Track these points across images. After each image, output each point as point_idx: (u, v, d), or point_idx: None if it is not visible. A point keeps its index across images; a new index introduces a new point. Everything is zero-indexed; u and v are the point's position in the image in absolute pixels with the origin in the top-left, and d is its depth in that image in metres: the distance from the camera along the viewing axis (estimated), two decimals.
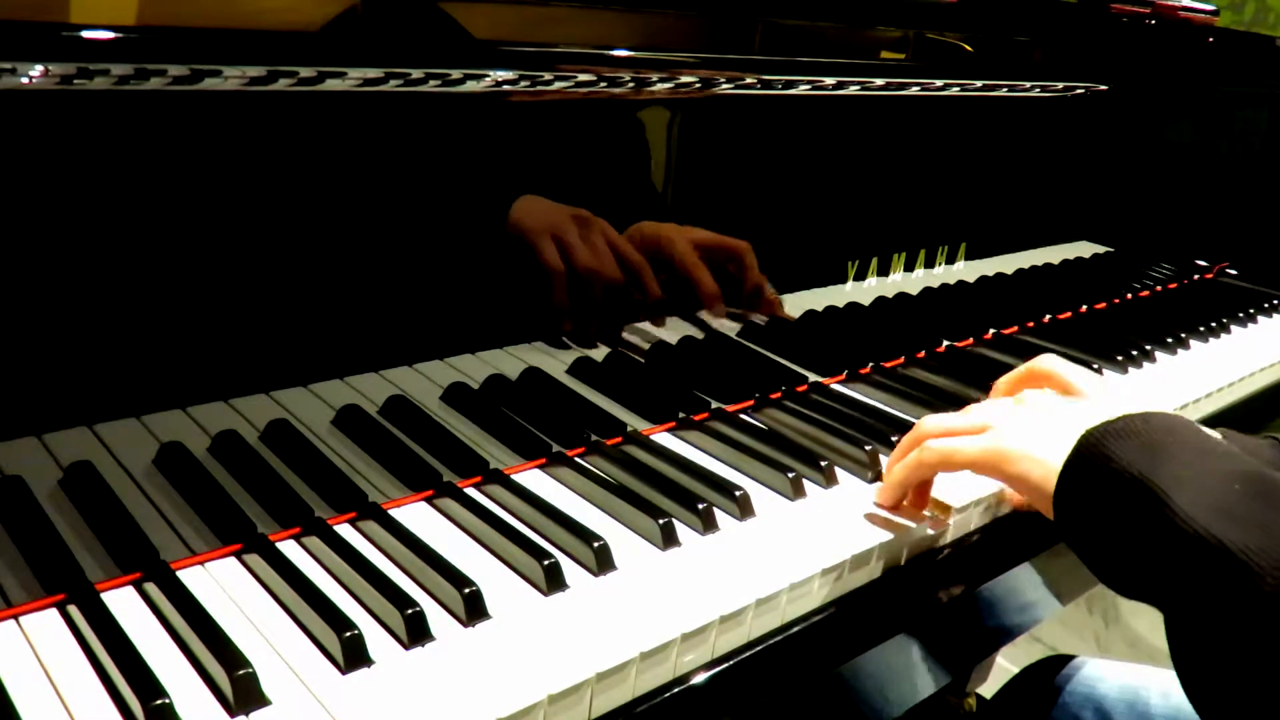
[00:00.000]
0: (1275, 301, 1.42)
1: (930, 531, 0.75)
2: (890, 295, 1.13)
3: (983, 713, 1.20)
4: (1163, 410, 0.66)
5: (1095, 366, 1.07)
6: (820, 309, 1.05)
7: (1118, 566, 0.62)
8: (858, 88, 0.94)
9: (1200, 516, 0.56)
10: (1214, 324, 1.26)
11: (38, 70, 0.52)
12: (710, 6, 0.88)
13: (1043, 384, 0.84)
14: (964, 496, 0.76)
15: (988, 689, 1.27)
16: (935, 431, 0.73)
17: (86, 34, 0.53)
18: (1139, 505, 0.59)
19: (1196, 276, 1.54)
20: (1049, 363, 0.83)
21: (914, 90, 1.00)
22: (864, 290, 1.10)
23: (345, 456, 0.72)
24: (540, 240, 0.82)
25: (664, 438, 0.82)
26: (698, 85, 0.82)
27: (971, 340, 1.12)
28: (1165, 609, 0.60)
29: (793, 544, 0.69)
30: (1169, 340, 1.17)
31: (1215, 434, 0.68)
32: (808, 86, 0.89)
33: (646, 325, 0.93)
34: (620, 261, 0.86)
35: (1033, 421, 0.69)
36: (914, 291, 1.16)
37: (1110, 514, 0.61)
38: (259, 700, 0.51)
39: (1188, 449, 0.61)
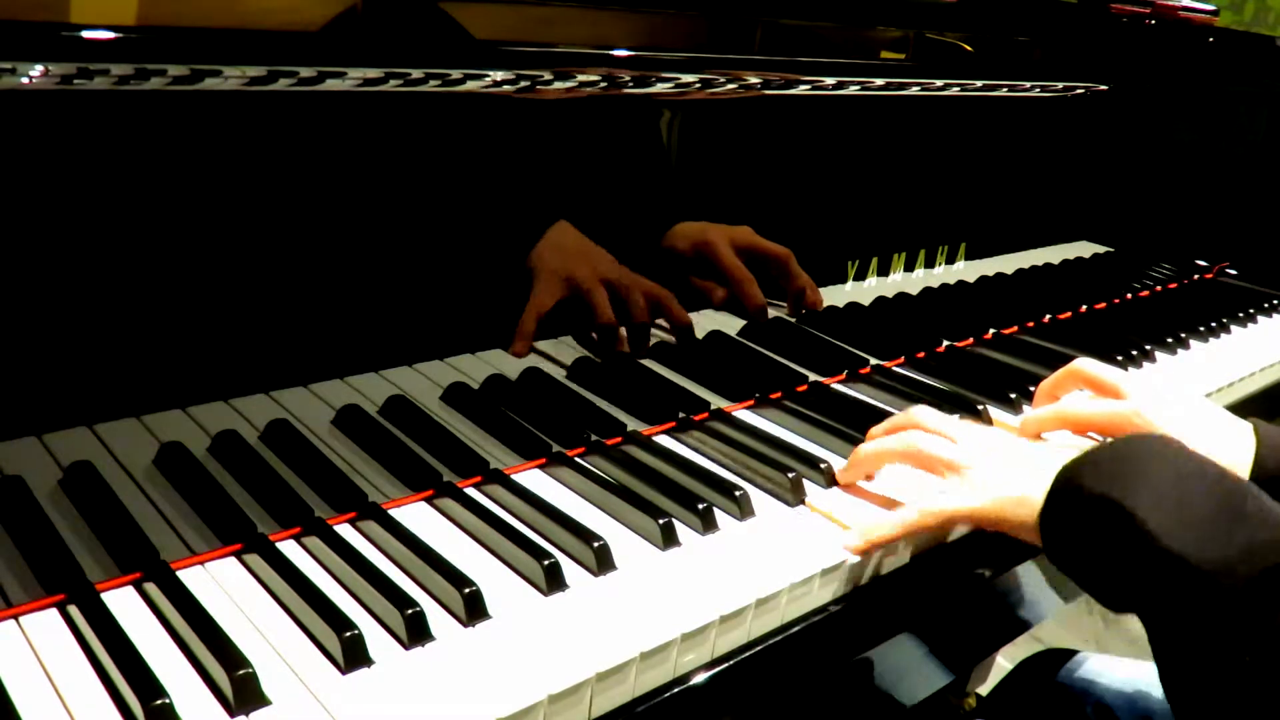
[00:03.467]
0: (1275, 301, 1.42)
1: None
2: (890, 295, 1.13)
3: (982, 707, 1.20)
4: (1140, 435, 0.69)
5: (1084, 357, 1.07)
6: (820, 309, 1.05)
7: (1103, 584, 0.65)
8: (858, 88, 0.94)
9: (1169, 534, 0.59)
10: (1214, 324, 1.26)
11: (38, 70, 0.52)
12: (710, 6, 0.88)
13: (1080, 386, 0.86)
14: None
15: (988, 688, 1.27)
16: (907, 455, 0.75)
17: (86, 34, 0.53)
18: (1114, 527, 0.62)
19: (1196, 276, 1.54)
20: (1085, 366, 0.87)
21: (914, 90, 1.00)
22: (864, 290, 1.10)
23: (345, 456, 0.72)
24: (563, 284, 0.84)
25: (664, 438, 0.82)
26: (698, 85, 0.82)
27: (971, 340, 1.12)
28: (1146, 622, 0.62)
29: (793, 544, 0.69)
30: (1169, 340, 1.17)
31: (1207, 433, 0.70)
32: (808, 86, 0.89)
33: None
34: (634, 305, 0.87)
35: (1008, 468, 0.71)
36: (914, 291, 1.16)
37: (1090, 537, 0.64)
38: (259, 700, 0.51)
39: (1156, 467, 0.64)
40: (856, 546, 0.69)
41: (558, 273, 0.83)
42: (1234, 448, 0.79)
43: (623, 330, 0.88)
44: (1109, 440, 0.68)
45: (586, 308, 0.85)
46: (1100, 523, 0.62)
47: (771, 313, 1.01)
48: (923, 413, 0.78)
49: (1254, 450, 0.79)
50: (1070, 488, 0.65)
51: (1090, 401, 0.86)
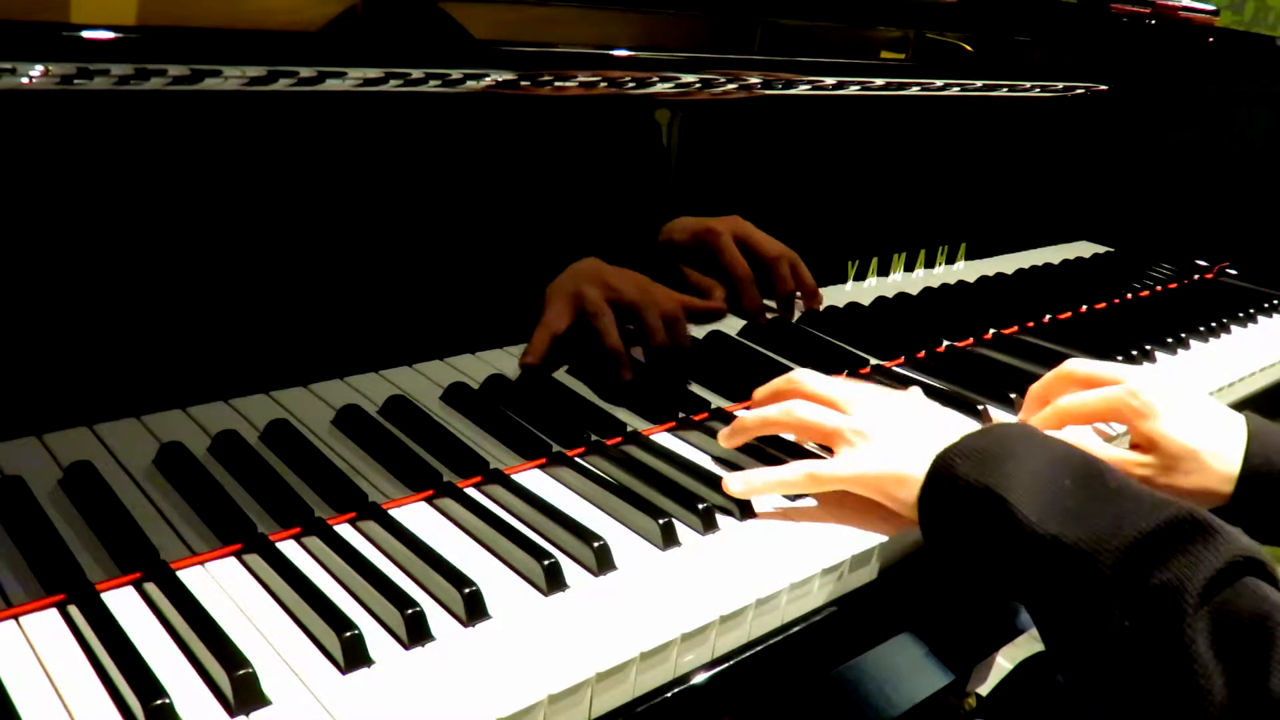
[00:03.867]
0: (1275, 301, 1.42)
1: None
2: (890, 295, 1.13)
3: (982, 707, 1.20)
4: (1005, 423, 0.71)
5: (1075, 356, 1.07)
6: (820, 309, 1.05)
7: (983, 572, 0.66)
8: (858, 88, 0.94)
9: (1038, 517, 0.62)
10: (1214, 324, 1.26)
11: (38, 70, 0.52)
12: (710, 6, 0.88)
13: (1073, 388, 0.86)
14: None
15: (988, 689, 1.27)
16: (789, 423, 0.75)
17: (86, 34, 0.53)
18: (987, 514, 0.64)
19: (1196, 276, 1.54)
20: (1075, 366, 0.87)
21: (914, 90, 1.00)
22: (864, 290, 1.10)
23: (345, 456, 0.72)
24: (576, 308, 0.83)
25: (664, 438, 0.82)
26: (698, 85, 0.82)
27: (971, 340, 1.12)
28: (1028, 605, 0.64)
29: (793, 544, 0.69)
30: (1169, 340, 1.17)
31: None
32: (808, 86, 0.89)
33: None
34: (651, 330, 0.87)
35: (901, 437, 0.71)
36: (914, 291, 1.16)
37: (965, 525, 0.65)
38: (259, 700, 0.51)
39: (1024, 452, 0.66)
40: (736, 491, 0.71)
41: (571, 294, 0.83)
42: (1225, 436, 0.80)
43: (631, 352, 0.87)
44: (979, 428, 0.69)
45: (591, 331, 0.85)
46: (976, 512, 0.64)
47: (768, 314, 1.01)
48: (805, 377, 0.78)
49: (1245, 442, 0.79)
50: (945, 476, 0.66)
51: (1085, 392, 0.86)
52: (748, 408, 0.80)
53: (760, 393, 0.80)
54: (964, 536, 0.66)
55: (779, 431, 0.77)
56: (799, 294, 1.01)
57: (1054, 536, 0.61)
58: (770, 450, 0.80)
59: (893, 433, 0.72)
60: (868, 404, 0.75)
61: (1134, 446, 0.83)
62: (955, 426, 0.72)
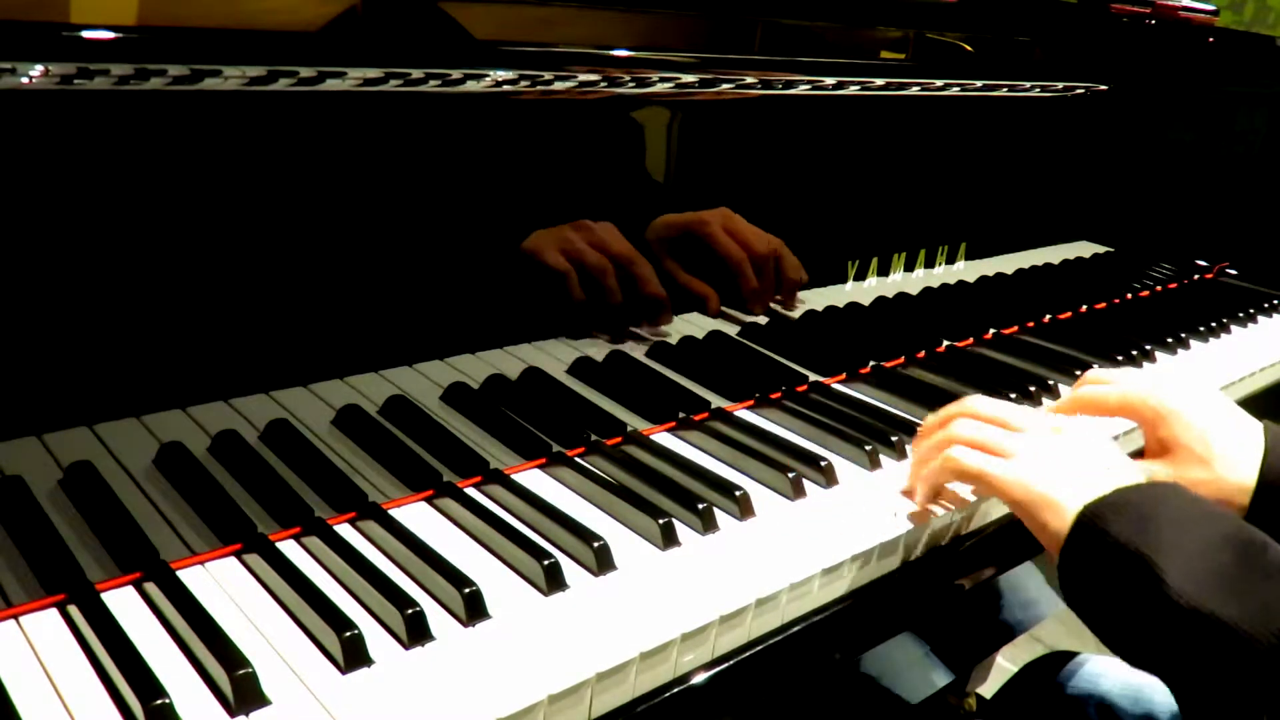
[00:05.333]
0: (1275, 301, 1.42)
1: (931, 531, 0.75)
2: (890, 295, 1.13)
3: (984, 711, 1.20)
4: (1155, 480, 0.68)
5: (1095, 367, 1.07)
6: (820, 309, 1.05)
7: (1120, 636, 0.63)
8: (858, 88, 0.94)
9: (1191, 589, 0.59)
10: (1214, 324, 1.26)
11: (38, 70, 0.52)
12: (710, 6, 0.88)
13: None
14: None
15: (988, 689, 1.27)
16: (966, 439, 0.73)
17: (86, 34, 0.53)
18: (1135, 579, 0.61)
19: (1196, 276, 1.54)
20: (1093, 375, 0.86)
21: (914, 90, 1.00)
22: (864, 290, 1.10)
23: (345, 456, 0.72)
24: (548, 253, 0.82)
25: (664, 438, 0.82)
26: (698, 85, 0.82)
27: (971, 340, 1.12)
28: (1170, 680, 0.62)
29: (793, 544, 0.69)
30: (1169, 340, 1.17)
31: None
32: (808, 86, 0.89)
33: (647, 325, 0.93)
34: (622, 259, 0.86)
35: (1057, 461, 0.69)
36: (914, 291, 1.16)
37: (1109, 588, 0.63)
38: (259, 700, 0.51)
39: (1179, 517, 0.63)
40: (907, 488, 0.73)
41: (556, 244, 0.82)
42: (1243, 445, 0.78)
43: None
44: (1131, 484, 0.66)
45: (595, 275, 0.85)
46: (1123, 573, 0.61)
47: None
48: (975, 399, 0.76)
49: (1262, 452, 0.78)
50: (1095, 530, 0.63)
51: (1106, 387, 0.85)
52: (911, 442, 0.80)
53: (931, 419, 0.78)
54: (1106, 596, 0.63)
55: (951, 479, 0.75)
56: (780, 290, 1.00)
57: (1208, 612, 0.58)
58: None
59: (1050, 454, 0.69)
60: (1037, 424, 0.73)
61: (1149, 450, 0.82)
62: (1115, 466, 0.69)
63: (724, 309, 0.98)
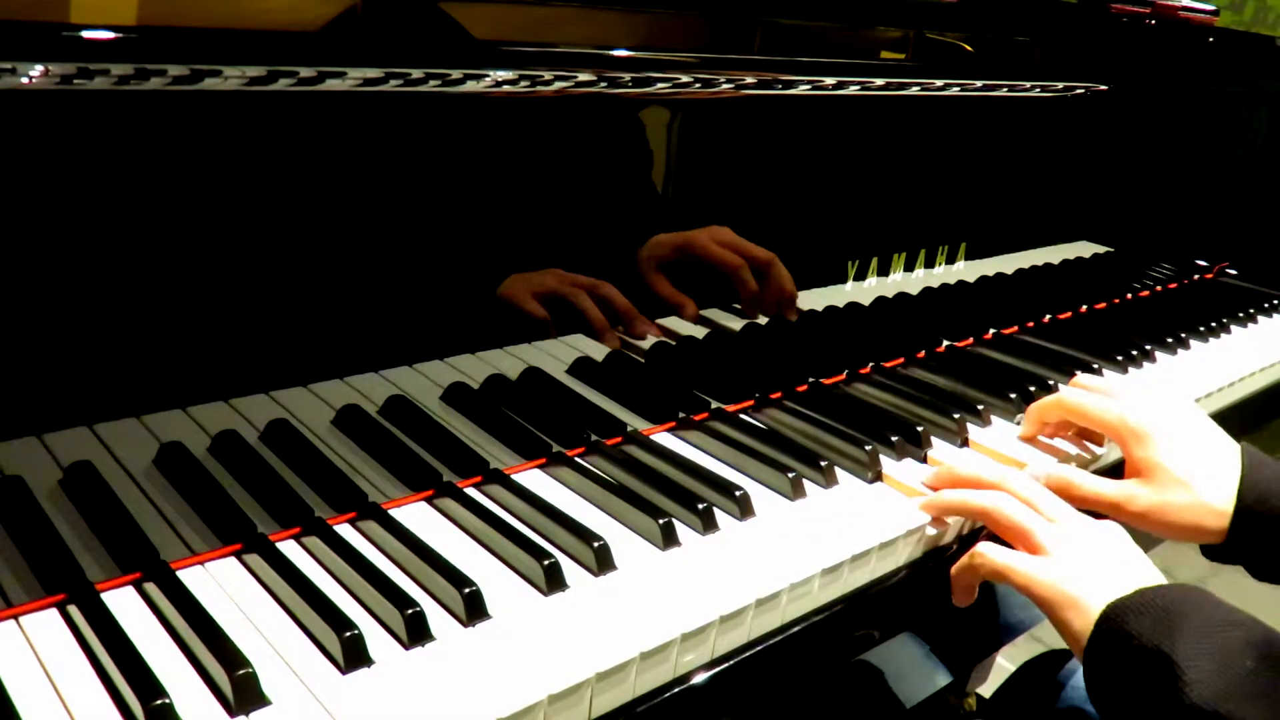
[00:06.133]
0: (1275, 301, 1.42)
1: (931, 532, 0.75)
2: (890, 295, 1.13)
3: (983, 709, 1.20)
4: (1182, 584, 0.68)
5: (1095, 367, 1.07)
6: (820, 309, 1.05)
7: None
8: (858, 88, 0.94)
9: (1213, 695, 0.59)
10: (1214, 324, 1.26)
11: (38, 70, 0.52)
12: (710, 6, 0.88)
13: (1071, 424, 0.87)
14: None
15: (988, 689, 1.27)
16: (1004, 517, 0.73)
17: (86, 34, 0.52)
18: (1156, 679, 0.61)
19: (1196, 276, 1.54)
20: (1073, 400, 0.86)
21: (914, 90, 1.00)
22: (864, 290, 1.10)
23: (345, 456, 0.72)
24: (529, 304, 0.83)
25: (664, 438, 0.82)
26: (698, 85, 0.82)
27: (971, 340, 1.12)
28: None
29: (793, 544, 0.69)
30: (1169, 340, 1.17)
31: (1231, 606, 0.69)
32: (808, 86, 0.89)
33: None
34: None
35: (1083, 561, 0.69)
36: (914, 291, 1.16)
37: (1131, 687, 0.63)
38: (259, 700, 0.51)
39: (1201, 620, 0.63)
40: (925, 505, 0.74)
41: (530, 289, 0.83)
42: (1220, 468, 0.79)
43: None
44: (1154, 585, 0.66)
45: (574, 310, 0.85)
46: (1146, 675, 0.62)
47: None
48: (1016, 478, 0.76)
49: (1239, 477, 0.78)
50: (1117, 631, 0.64)
51: (1093, 396, 0.85)
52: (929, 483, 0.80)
53: (964, 473, 0.77)
54: (1129, 697, 0.63)
55: (976, 518, 0.75)
56: (780, 301, 1.00)
57: (1226, 713, 0.58)
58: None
59: (1077, 555, 0.70)
60: (1071, 521, 0.73)
61: (1129, 469, 0.82)
62: (1139, 567, 0.69)
63: (722, 310, 0.98)
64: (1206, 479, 0.78)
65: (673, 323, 0.94)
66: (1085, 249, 1.43)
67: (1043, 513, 0.73)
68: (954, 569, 0.74)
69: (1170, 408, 0.83)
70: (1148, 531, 0.80)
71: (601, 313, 0.86)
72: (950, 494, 0.76)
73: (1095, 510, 0.80)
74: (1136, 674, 0.62)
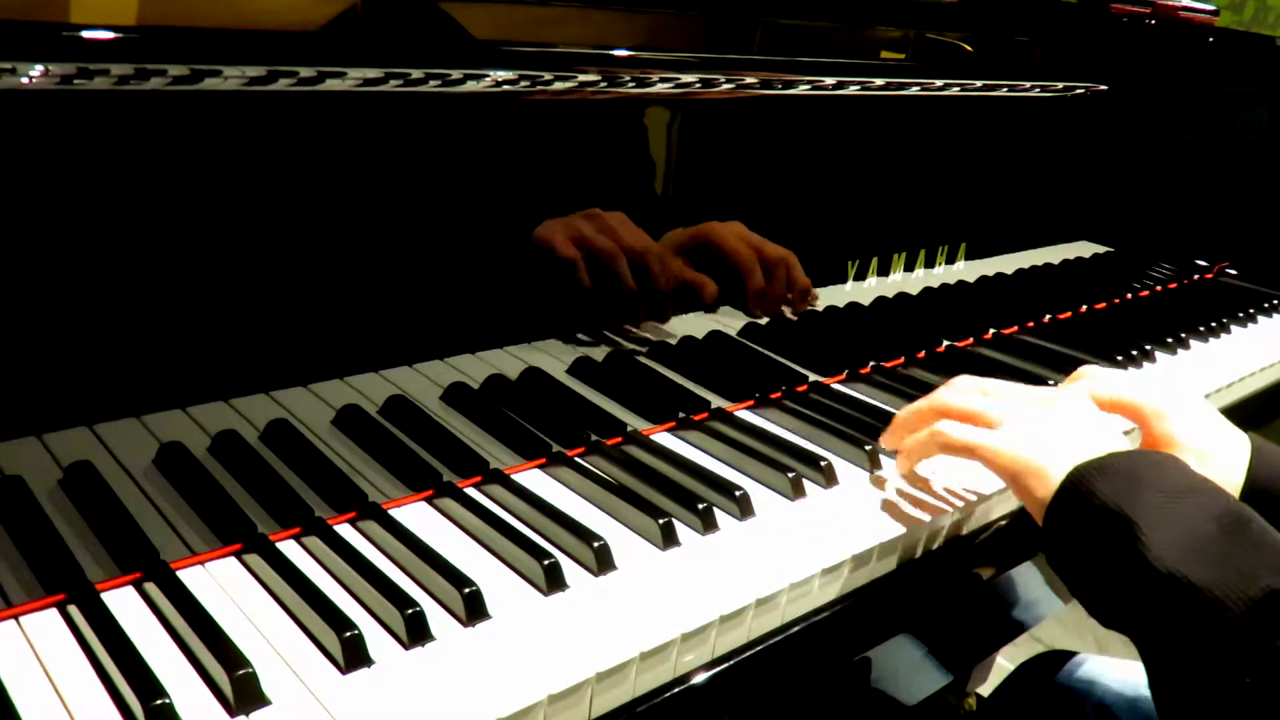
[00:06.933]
0: (1275, 301, 1.42)
1: (930, 531, 0.75)
2: (890, 295, 1.13)
3: (983, 709, 1.20)
4: (1153, 450, 0.68)
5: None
6: (820, 309, 1.05)
7: (1097, 597, 0.64)
8: (858, 88, 0.94)
9: (1170, 555, 0.59)
10: (1214, 324, 1.26)
11: (38, 70, 0.52)
12: (710, 6, 0.88)
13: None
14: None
15: (988, 689, 1.27)
16: (954, 410, 0.73)
17: (86, 34, 0.53)
18: (1115, 540, 0.61)
19: (1196, 276, 1.54)
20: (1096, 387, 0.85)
21: (914, 90, 1.00)
22: (864, 290, 1.10)
23: (345, 456, 0.72)
24: (558, 240, 0.83)
25: (664, 438, 0.82)
26: (698, 85, 0.82)
27: (971, 340, 1.12)
28: (1139, 642, 0.62)
29: (793, 544, 0.69)
30: (1169, 340, 1.17)
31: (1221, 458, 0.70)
32: (808, 86, 0.89)
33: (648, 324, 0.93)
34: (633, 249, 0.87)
35: (1046, 429, 0.69)
36: (914, 291, 1.16)
37: (1090, 547, 0.63)
38: (259, 700, 0.51)
39: (1167, 485, 0.63)
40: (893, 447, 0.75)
41: (569, 233, 0.82)
42: (1233, 450, 0.79)
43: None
44: (1123, 450, 0.67)
45: (608, 272, 0.85)
46: (1104, 534, 0.62)
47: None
48: (952, 395, 0.76)
49: (1248, 461, 0.79)
50: (1080, 491, 0.64)
51: (1111, 375, 0.86)
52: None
53: (903, 416, 0.78)
54: (1087, 557, 0.63)
55: (929, 421, 0.75)
56: (791, 295, 1.01)
57: (1182, 576, 0.58)
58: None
59: (1039, 422, 0.70)
60: (1025, 394, 0.73)
61: (1146, 447, 0.82)
62: (1106, 433, 0.69)
63: (725, 308, 0.98)
64: (1221, 455, 0.78)
65: (673, 324, 0.94)
66: (1085, 249, 1.43)
67: (991, 393, 0.74)
68: (909, 440, 0.74)
69: (1185, 393, 0.84)
70: None
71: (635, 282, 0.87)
72: (906, 441, 0.76)
73: None
74: (1096, 535, 0.62)
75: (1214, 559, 0.58)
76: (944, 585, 0.75)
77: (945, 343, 1.09)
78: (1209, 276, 1.56)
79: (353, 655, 0.54)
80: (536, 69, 0.71)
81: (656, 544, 0.67)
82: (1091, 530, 0.63)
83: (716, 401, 0.87)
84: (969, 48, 1.06)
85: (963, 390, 0.76)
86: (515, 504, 0.69)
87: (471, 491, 0.70)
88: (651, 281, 0.88)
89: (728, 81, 0.84)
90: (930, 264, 1.18)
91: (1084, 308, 1.29)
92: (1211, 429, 0.80)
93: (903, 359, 1.04)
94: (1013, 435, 0.69)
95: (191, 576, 0.59)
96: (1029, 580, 0.85)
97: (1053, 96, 1.17)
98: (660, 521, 0.67)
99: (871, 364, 1.00)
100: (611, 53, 0.75)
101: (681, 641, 0.59)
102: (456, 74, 0.67)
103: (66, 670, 0.52)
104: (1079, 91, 1.19)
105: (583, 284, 0.84)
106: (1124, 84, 1.27)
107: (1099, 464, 0.65)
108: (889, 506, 0.75)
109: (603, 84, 0.76)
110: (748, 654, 0.63)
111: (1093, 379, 0.86)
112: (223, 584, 0.59)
